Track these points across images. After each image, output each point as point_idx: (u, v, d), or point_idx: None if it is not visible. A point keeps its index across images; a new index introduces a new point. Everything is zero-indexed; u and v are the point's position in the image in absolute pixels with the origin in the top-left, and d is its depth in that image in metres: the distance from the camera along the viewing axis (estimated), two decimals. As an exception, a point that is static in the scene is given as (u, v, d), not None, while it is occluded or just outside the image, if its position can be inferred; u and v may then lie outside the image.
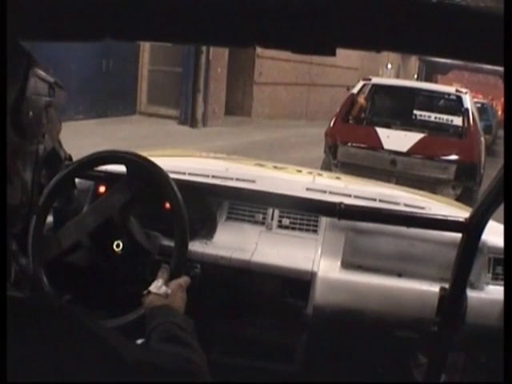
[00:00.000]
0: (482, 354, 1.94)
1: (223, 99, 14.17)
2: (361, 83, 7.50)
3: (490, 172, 5.77)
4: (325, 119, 18.52)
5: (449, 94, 7.67)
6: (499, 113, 18.45)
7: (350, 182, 2.55)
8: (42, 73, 0.88)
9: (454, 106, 7.47)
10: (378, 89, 7.66)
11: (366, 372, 2.01)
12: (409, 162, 6.22)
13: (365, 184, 2.71)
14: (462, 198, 5.65)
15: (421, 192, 2.54)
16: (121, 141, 8.89)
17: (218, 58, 13.28)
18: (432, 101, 8.18)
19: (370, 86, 7.59)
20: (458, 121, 7.40)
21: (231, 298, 1.91)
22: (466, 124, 6.75)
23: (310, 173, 2.50)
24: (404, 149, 6.27)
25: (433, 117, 7.95)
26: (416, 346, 2.00)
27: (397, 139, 6.46)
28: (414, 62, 30.11)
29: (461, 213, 1.88)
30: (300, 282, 1.86)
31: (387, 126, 7.02)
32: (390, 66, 24.89)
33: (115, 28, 0.87)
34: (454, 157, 6.23)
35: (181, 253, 1.63)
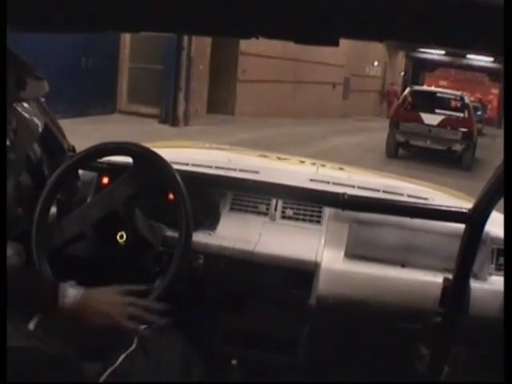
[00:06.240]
0: (485, 345, 1.94)
1: (205, 97, 13.74)
2: (408, 89, 13.99)
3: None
4: (313, 117, 17.63)
5: (455, 95, 13.95)
6: (486, 108, 22.69)
7: (353, 172, 2.55)
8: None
9: (459, 102, 13.51)
10: (416, 92, 13.74)
11: (368, 363, 2.02)
12: (437, 130, 12.08)
13: (368, 175, 2.71)
14: (465, 151, 11.95)
15: (424, 183, 2.53)
16: (98, 140, 8.56)
17: (200, 54, 12.71)
18: (446, 99, 14.00)
19: (411, 91, 13.63)
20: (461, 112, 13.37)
21: (234, 288, 1.91)
22: (466, 112, 12.84)
23: (314, 163, 2.49)
24: (435, 123, 12.13)
25: (443, 112, 13.35)
26: (419, 337, 2.00)
27: (431, 118, 12.30)
28: (400, 59, 29.23)
29: (464, 204, 1.88)
30: (303, 273, 1.86)
31: (423, 112, 12.70)
32: (376, 63, 24.49)
33: (116, 19, 0.87)
34: (460, 127, 12.17)
35: (185, 244, 1.63)
